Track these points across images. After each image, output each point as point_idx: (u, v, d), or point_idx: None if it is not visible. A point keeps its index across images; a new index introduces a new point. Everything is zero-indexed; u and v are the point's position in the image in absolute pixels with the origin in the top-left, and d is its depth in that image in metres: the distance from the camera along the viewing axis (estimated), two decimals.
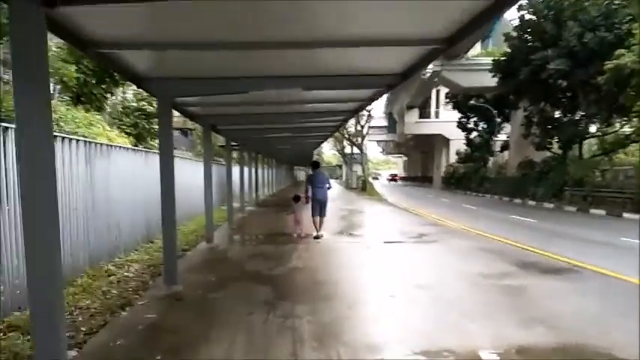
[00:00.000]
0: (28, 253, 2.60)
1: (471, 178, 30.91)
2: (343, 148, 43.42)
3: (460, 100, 31.88)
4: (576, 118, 20.39)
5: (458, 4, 3.25)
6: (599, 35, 16.73)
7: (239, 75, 5.23)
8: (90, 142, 6.08)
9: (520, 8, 20.32)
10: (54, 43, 9.40)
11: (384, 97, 37.62)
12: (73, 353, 3.33)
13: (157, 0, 2.97)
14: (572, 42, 17.37)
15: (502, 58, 22.00)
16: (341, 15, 3.46)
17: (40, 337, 2.62)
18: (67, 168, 5.30)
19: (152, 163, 7.93)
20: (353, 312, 4.33)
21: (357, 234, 9.95)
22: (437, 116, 42.58)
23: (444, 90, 37.33)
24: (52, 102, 8.48)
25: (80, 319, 4.13)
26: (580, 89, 18.60)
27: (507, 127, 29.98)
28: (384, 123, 55.61)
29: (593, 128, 21.19)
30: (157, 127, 8.18)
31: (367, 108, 25.92)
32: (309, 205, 9.17)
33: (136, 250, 7.33)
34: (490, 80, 23.10)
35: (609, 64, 14.69)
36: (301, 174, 46.25)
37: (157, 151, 6.53)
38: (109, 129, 9.67)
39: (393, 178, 68.00)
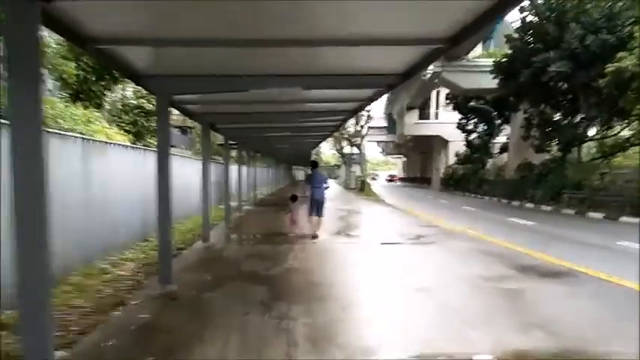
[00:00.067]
0: (16, 251, 2.55)
1: (469, 180, 30.84)
2: (342, 148, 43.35)
3: (460, 101, 31.87)
4: (576, 120, 20.35)
5: (461, 4, 3.22)
6: (601, 38, 16.64)
7: (238, 73, 5.19)
8: (86, 140, 6.03)
9: (522, 10, 20.29)
10: (54, 39, 9.35)
11: (384, 97, 37.65)
12: (63, 353, 3.28)
13: None
14: (573, 44, 17.27)
15: (503, 60, 21.96)
16: (342, 14, 3.42)
17: (28, 337, 2.58)
18: (62, 165, 5.24)
19: (150, 161, 7.88)
20: (347, 314, 4.28)
21: (354, 234, 9.91)
22: (436, 117, 42.54)
23: (444, 91, 37.23)
24: (52, 99, 8.49)
25: (72, 318, 4.07)
26: (581, 92, 18.54)
27: (507, 129, 29.96)
28: (384, 124, 55.59)
29: (592, 131, 21.19)
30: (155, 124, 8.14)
31: (367, 108, 25.87)
32: (307, 205, 9.12)
33: (132, 249, 7.28)
34: (490, 82, 23.04)
35: (610, 67, 14.64)
36: (300, 173, 46.12)
37: (155, 149, 6.49)
38: (107, 126, 9.62)
39: (392, 178, 68.03)
